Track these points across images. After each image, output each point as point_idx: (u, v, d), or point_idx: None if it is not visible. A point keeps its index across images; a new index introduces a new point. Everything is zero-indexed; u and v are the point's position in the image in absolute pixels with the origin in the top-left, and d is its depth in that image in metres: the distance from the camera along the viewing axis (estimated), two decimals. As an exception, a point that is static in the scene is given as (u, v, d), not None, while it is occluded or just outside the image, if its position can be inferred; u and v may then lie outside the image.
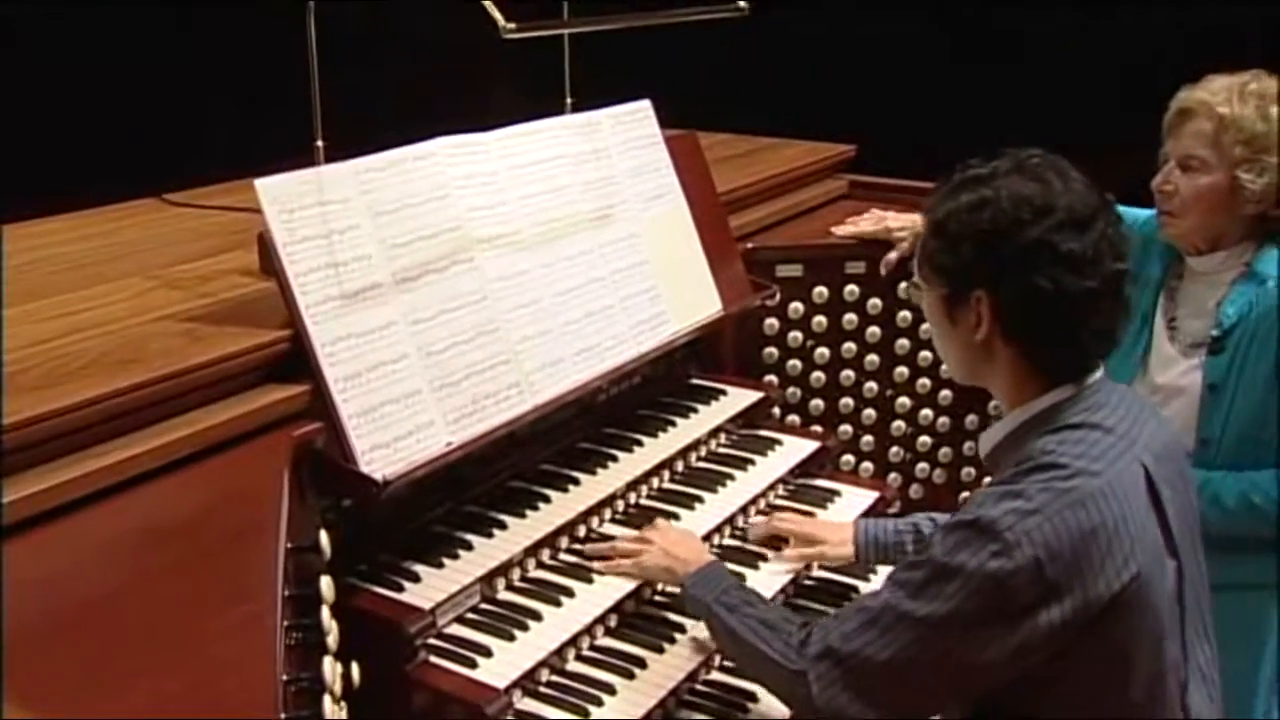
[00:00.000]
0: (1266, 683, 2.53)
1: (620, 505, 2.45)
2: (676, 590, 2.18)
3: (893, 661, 1.74)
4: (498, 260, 2.33)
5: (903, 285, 3.01)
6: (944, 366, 3.13)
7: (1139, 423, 1.81)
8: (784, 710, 2.17)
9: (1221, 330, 2.50)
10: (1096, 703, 1.76)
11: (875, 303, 3.13)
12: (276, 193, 2.02)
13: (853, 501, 2.71)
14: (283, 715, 1.37)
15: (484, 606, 2.14)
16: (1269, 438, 2.46)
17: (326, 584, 1.74)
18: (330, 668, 1.59)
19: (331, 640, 1.69)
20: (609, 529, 2.39)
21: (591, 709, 2.03)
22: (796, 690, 1.86)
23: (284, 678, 1.46)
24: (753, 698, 2.19)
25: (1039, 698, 1.77)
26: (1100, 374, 1.85)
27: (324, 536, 1.83)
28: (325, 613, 1.68)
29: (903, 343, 3.16)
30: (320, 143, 2.27)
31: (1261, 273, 2.48)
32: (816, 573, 2.47)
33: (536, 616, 2.12)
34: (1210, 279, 2.55)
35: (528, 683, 2.04)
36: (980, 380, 1.93)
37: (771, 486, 2.67)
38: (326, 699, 1.55)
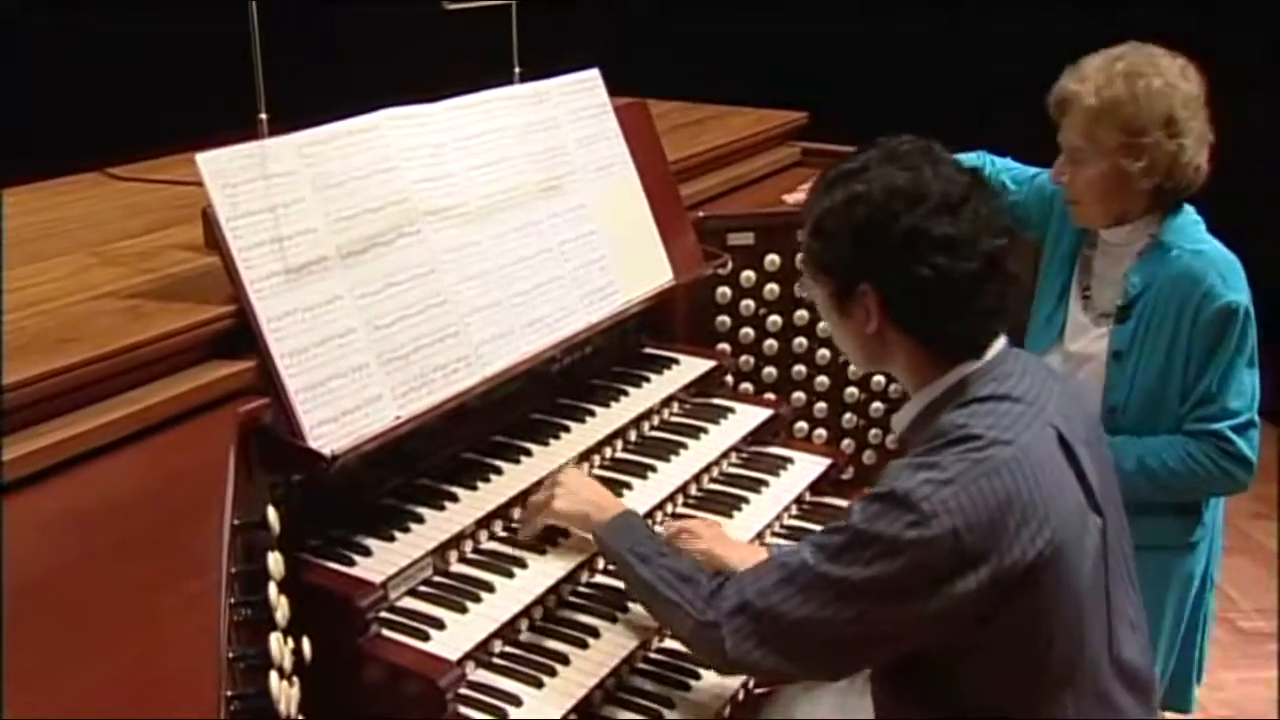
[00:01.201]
0: (1166, 635, 2.59)
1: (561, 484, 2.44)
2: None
3: (808, 620, 1.76)
4: (445, 232, 2.31)
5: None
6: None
7: (1045, 388, 1.83)
8: (736, 677, 2.20)
9: (1127, 299, 2.53)
10: (1019, 662, 1.78)
11: (827, 270, 3.14)
12: (218, 167, 2.00)
13: (805, 468, 2.73)
14: (227, 692, 1.37)
15: (436, 579, 2.14)
16: (1169, 404, 2.51)
17: (274, 560, 1.73)
18: (277, 643, 1.59)
19: (280, 616, 1.68)
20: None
21: (545, 679, 2.04)
22: (708, 641, 1.88)
23: (229, 654, 1.46)
24: (705, 665, 2.21)
25: (962, 660, 1.79)
26: (1002, 344, 1.87)
27: (272, 512, 1.82)
28: (273, 589, 1.68)
29: (855, 310, 3.17)
30: (264, 115, 2.25)
31: (1167, 243, 2.51)
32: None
33: (489, 588, 2.12)
34: (1120, 250, 2.59)
35: (481, 654, 2.05)
36: (881, 368, 1.96)
37: (724, 454, 2.68)
38: (273, 674, 1.55)
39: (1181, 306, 2.46)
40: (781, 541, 2.55)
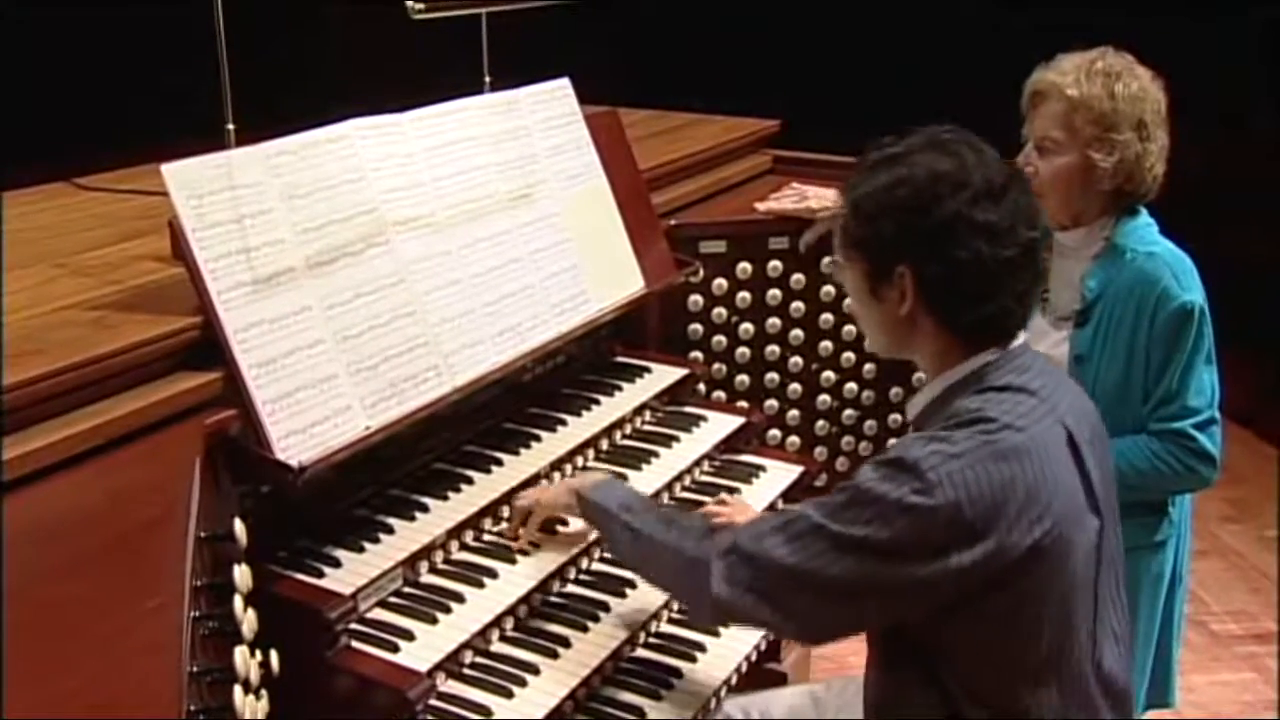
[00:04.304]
0: (1141, 633, 2.61)
1: (544, 485, 2.45)
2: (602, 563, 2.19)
3: (797, 568, 1.77)
4: (415, 242, 2.31)
5: (825, 260, 3.08)
6: (868, 340, 3.20)
7: (1058, 389, 1.86)
8: (709, 683, 2.21)
9: (1085, 303, 2.55)
10: (1007, 654, 1.80)
11: (799, 278, 3.15)
12: (185, 178, 1.99)
13: (778, 476, 2.73)
14: (190, 706, 1.35)
15: (406, 590, 2.14)
16: (1131, 405, 2.53)
17: (240, 573, 1.72)
18: (242, 657, 1.57)
19: (246, 629, 1.67)
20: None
21: (515, 689, 2.04)
22: (694, 580, 1.87)
23: (193, 669, 1.45)
24: (677, 674, 2.22)
25: (952, 649, 1.81)
26: (1023, 340, 1.89)
27: (239, 524, 1.81)
28: (238, 602, 1.67)
29: (826, 317, 3.19)
30: (231, 126, 2.24)
31: (1121, 246, 2.54)
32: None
33: (459, 598, 2.12)
34: (1076, 254, 2.61)
35: (451, 665, 2.05)
36: (904, 352, 1.96)
37: (697, 463, 2.68)
38: (237, 689, 1.54)
39: (1139, 308, 2.49)
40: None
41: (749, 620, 1.91)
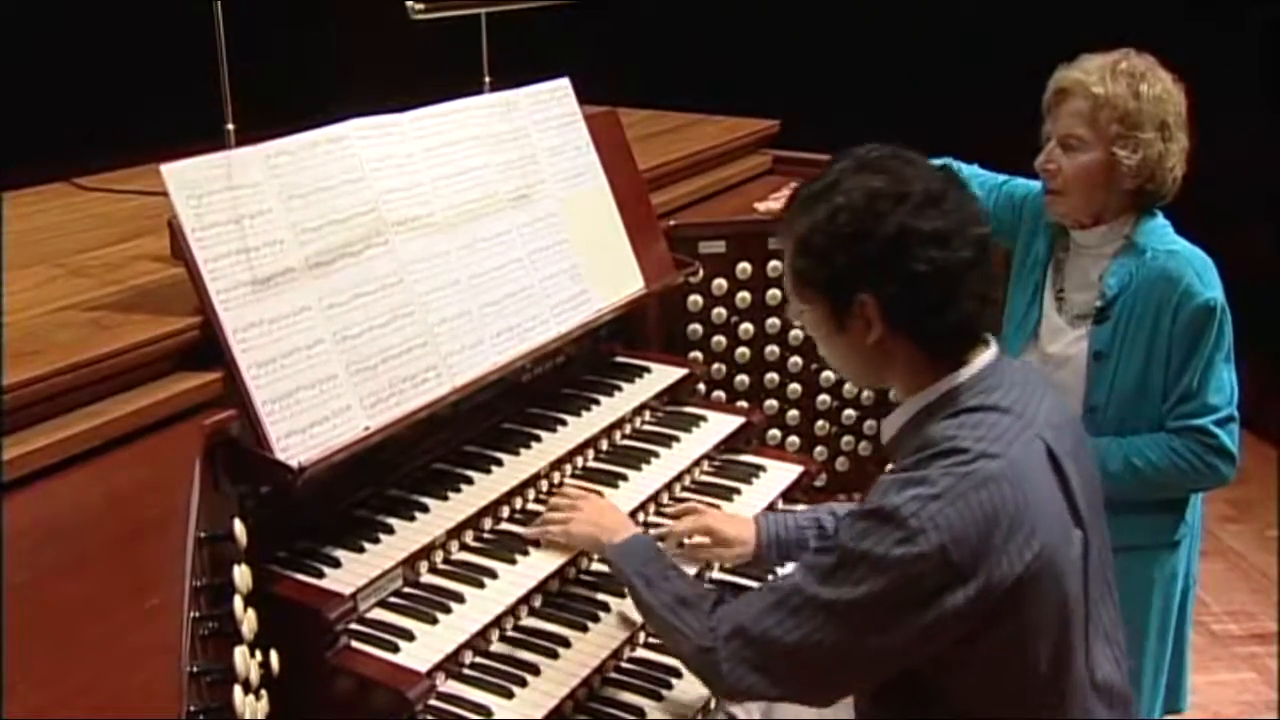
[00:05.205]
0: (1154, 635, 2.62)
1: (544, 485, 2.45)
2: (602, 564, 2.20)
3: (801, 644, 1.76)
4: (414, 243, 2.31)
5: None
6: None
7: (1035, 399, 1.82)
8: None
9: (1105, 301, 2.56)
10: (1006, 678, 1.78)
11: (798, 278, 3.15)
12: (184, 178, 1.99)
13: (778, 476, 2.73)
14: (191, 707, 1.35)
15: (406, 590, 2.14)
16: (1150, 403, 2.54)
17: (240, 573, 1.72)
18: (242, 657, 1.57)
19: (246, 629, 1.67)
20: (533, 509, 2.39)
21: (515, 689, 2.04)
22: (705, 666, 1.89)
23: (193, 669, 1.45)
24: (676, 673, 2.21)
25: (950, 676, 1.79)
26: (993, 354, 1.86)
27: (239, 525, 1.81)
28: (238, 602, 1.67)
29: (826, 317, 3.18)
30: (230, 126, 2.24)
31: (1140, 244, 2.55)
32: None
33: (459, 599, 2.12)
34: (1094, 252, 2.62)
35: (451, 665, 2.05)
36: (881, 381, 1.95)
37: (696, 463, 2.68)
38: (237, 689, 1.54)
39: (1160, 306, 2.50)
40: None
41: (762, 698, 1.95)
